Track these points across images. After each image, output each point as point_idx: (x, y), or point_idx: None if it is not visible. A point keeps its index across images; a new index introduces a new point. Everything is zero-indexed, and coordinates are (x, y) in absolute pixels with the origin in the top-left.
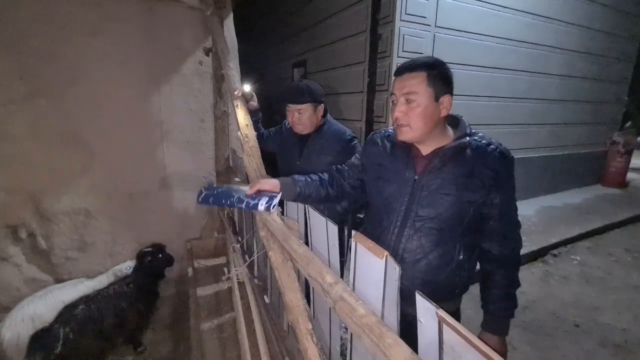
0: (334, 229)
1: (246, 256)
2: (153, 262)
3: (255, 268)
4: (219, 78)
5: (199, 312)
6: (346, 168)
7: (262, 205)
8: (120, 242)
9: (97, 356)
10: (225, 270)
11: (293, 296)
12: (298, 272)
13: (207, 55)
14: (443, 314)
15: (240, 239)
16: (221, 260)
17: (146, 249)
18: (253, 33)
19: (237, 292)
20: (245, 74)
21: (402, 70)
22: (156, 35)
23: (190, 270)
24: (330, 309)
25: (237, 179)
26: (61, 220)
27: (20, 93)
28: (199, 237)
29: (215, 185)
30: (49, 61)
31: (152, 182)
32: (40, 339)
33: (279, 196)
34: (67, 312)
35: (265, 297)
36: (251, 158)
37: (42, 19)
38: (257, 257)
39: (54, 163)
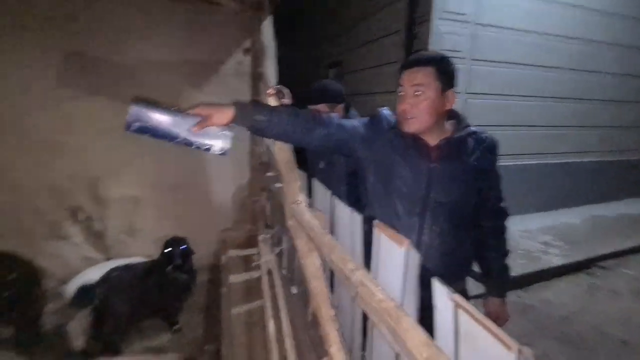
0: (357, 218)
1: (275, 248)
2: (171, 252)
3: (284, 260)
4: (256, 77)
5: (230, 298)
6: (347, 126)
7: (214, 148)
8: (163, 229)
9: (130, 322)
10: (255, 260)
11: (317, 284)
12: (322, 262)
13: (246, 55)
14: (459, 298)
15: (269, 230)
16: (252, 251)
17: (169, 240)
18: (291, 34)
19: (265, 281)
20: (282, 74)
21: (412, 63)
22: (199, 38)
23: (223, 258)
24: (351, 298)
25: (269, 174)
26: (113, 206)
27: (83, 90)
28: (232, 228)
29: (148, 107)
30: (107, 62)
31: (192, 175)
32: (82, 293)
33: (231, 135)
34: (106, 276)
35: (292, 288)
36: (282, 151)
37: (103, 26)
38: (284, 249)
39: (108, 154)
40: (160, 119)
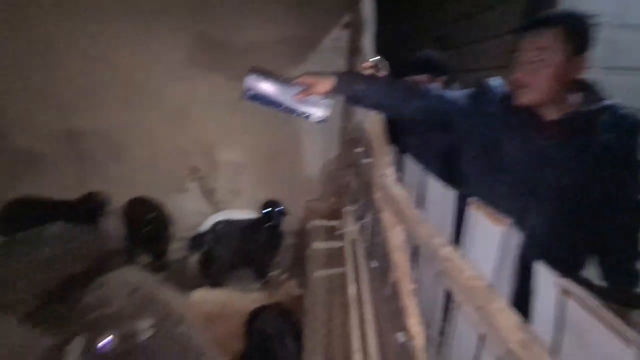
0: (450, 194)
1: (359, 221)
2: (269, 213)
3: (367, 234)
4: (354, 51)
5: (313, 262)
6: (447, 97)
7: (314, 116)
8: (261, 193)
9: (230, 267)
10: (338, 230)
11: (400, 256)
12: (407, 237)
13: (345, 30)
14: (567, 283)
15: (354, 204)
16: (335, 222)
17: (268, 201)
18: (391, 7)
19: (349, 249)
20: (381, 48)
21: (535, 23)
22: (304, 16)
23: (308, 226)
24: (434, 274)
25: (358, 150)
26: (223, 168)
27: (206, 67)
28: (318, 199)
29: (261, 77)
30: (226, 43)
31: (287, 146)
32: (195, 239)
33: (331, 104)
34: (213, 227)
35: (372, 262)
36: (374, 125)
37: (225, 11)
38: (367, 223)
39: (223, 124)
40: (269, 87)
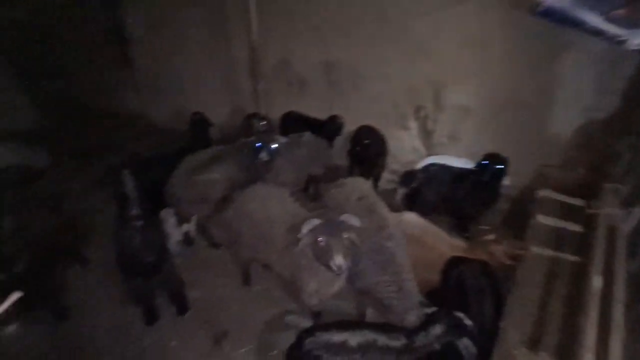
0: None
1: (627, 207)
2: (486, 166)
3: (632, 225)
4: None
5: (534, 237)
6: None
7: (631, 42)
8: (480, 144)
9: (436, 210)
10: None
11: None
12: None
13: None
14: None
15: (622, 182)
16: (575, 201)
17: (491, 154)
18: None
19: (601, 236)
20: None
21: None
22: None
23: (537, 194)
24: None
25: None
26: (447, 111)
27: None
28: (557, 165)
29: None
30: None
31: (531, 96)
32: (407, 175)
33: None
34: (426, 167)
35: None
36: None
37: None
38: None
39: (459, 64)
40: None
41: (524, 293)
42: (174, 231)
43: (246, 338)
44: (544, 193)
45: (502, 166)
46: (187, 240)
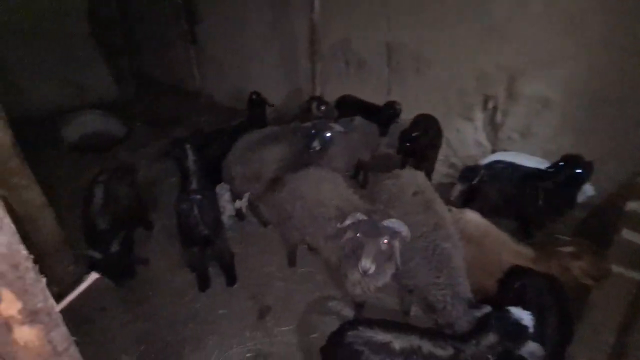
0: None
1: None
2: (561, 169)
3: None
4: None
5: (619, 255)
6: None
7: None
8: (558, 142)
9: (497, 212)
10: None
11: None
12: None
13: None
14: None
15: None
16: None
17: (570, 156)
18: None
19: None
20: None
21: None
22: None
23: (626, 206)
24: None
25: None
26: (521, 102)
27: None
28: None
29: None
30: None
31: (627, 88)
32: (468, 170)
33: None
34: (493, 163)
35: None
36: None
37: None
38: None
39: (545, 47)
40: None
41: (599, 318)
42: (228, 206)
43: (288, 316)
44: (633, 205)
45: (583, 171)
46: (240, 215)
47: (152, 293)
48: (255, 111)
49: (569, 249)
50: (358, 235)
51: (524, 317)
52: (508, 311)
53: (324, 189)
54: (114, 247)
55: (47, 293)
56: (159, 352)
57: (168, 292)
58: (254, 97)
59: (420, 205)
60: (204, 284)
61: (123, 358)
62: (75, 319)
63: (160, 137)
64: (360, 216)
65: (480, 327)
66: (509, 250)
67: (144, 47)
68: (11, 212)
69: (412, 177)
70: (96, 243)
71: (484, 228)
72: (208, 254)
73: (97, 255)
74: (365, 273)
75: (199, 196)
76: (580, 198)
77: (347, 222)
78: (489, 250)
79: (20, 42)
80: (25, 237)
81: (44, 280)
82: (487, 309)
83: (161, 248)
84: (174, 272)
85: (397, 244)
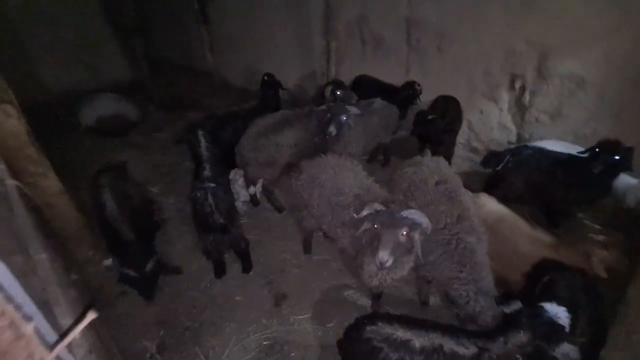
0: None
1: None
2: (596, 154)
3: None
4: None
5: None
6: None
7: None
8: (593, 125)
9: (520, 200)
10: None
11: None
12: None
13: None
14: None
15: None
16: None
17: (609, 141)
18: None
19: None
20: None
21: None
22: None
23: None
24: None
25: None
26: (553, 82)
27: None
28: None
29: None
30: None
31: None
32: (493, 155)
33: None
34: (520, 149)
35: None
36: None
37: None
38: None
39: (582, 20)
40: None
41: (635, 317)
42: (242, 191)
43: (304, 304)
44: None
45: (624, 158)
46: (254, 201)
47: (170, 278)
48: (268, 93)
49: (600, 237)
50: (375, 226)
51: (560, 314)
52: (542, 308)
53: (343, 176)
54: (149, 267)
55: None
56: (178, 337)
57: (185, 278)
58: (265, 78)
59: (443, 195)
60: (220, 270)
61: (143, 343)
62: (96, 303)
63: (174, 121)
64: (378, 206)
65: (510, 324)
66: (526, 236)
67: (156, 28)
68: (29, 200)
69: (435, 165)
70: (126, 257)
71: (498, 213)
72: (223, 241)
73: (132, 273)
74: (382, 265)
75: (213, 184)
76: (630, 199)
77: (364, 212)
78: (503, 237)
79: (33, 25)
80: (45, 224)
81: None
82: (517, 305)
83: (178, 233)
84: (190, 258)
85: (417, 236)
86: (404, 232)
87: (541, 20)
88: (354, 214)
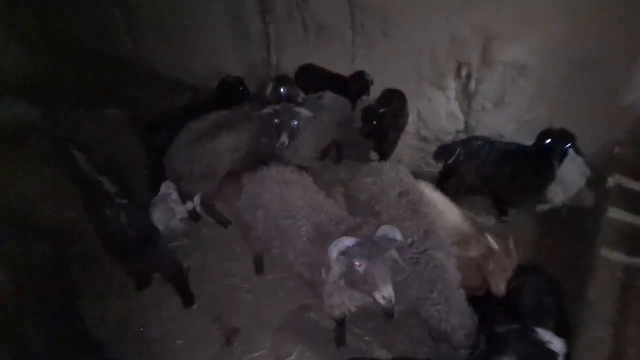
0: None
1: None
2: (550, 146)
3: None
4: None
5: (604, 237)
6: None
7: None
8: (534, 112)
9: (473, 191)
10: None
11: None
12: None
13: None
14: None
15: None
16: None
17: (553, 131)
18: None
19: None
20: None
21: None
22: None
23: (610, 181)
24: None
25: None
26: (495, 69)
27: None
28: (636, 144)
29: None
30: None
31: (610, 51)
32: (443, 148)
33: None
34: (470, 140)
35: None
36: None
37: None
38: None
39: (522, 7)
40: None
41: (596, 313)
42: (177, 207)
43: (260, 338)
44: (616, 180)
45: (570, 144)
46: (193, 216)
47: (98, 324)
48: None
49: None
50: (357, 263)
51: (554, 341)
52: (534, 331)
53: (290, 195)
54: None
55: None
56: None
57: (116, 323)
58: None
59: (408, 209)
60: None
61: None
62: None
63: (89, 119)
64: (350, 241)
65: (495, 347)
66: (446, 226)
67: (59, 5)
68: None
69: (394, 174)
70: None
71: (429, 198)
72: (145, 264)
73: None
74: (391, 302)
75: (124, 200)
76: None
77: (333, 254)
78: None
79: None
80: None
81: None
82: (507, 327)
83: (106, 272)
84: (122, 297)
85: (395, 253)
86: (388, 255)
87: (485, 6)
88: (322, 242)
